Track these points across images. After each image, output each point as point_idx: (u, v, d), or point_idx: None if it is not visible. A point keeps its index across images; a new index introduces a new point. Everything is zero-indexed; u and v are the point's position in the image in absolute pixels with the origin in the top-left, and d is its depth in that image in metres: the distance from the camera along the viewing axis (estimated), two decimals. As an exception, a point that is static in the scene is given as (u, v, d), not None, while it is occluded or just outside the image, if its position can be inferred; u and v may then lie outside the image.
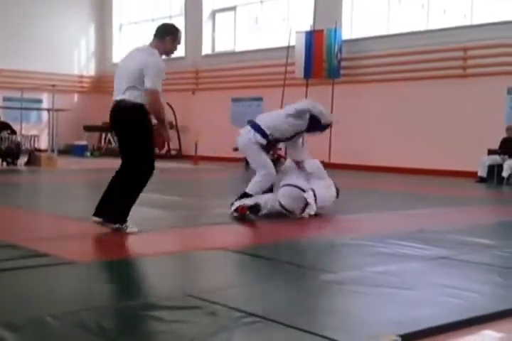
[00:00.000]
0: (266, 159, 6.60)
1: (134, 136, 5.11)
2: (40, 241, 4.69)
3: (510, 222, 6.77)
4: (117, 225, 5.18)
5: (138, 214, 6.48)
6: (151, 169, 5.18)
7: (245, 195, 6.46)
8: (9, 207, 6.96)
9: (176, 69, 19.38)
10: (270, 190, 6.57)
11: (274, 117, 6.74)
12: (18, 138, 13.83)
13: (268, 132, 6.51)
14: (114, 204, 5.17)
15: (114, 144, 20.74)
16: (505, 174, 12.05)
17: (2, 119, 14.28)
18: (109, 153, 20.08)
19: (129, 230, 5.19)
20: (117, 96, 5.16)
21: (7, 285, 3.48)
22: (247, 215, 6.01)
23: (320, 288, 3.50)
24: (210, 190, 10.28)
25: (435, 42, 13.79)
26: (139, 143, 5.11)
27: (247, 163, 15.83)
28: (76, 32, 22.00)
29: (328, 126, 6.91)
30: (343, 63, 15.44)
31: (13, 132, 13.98)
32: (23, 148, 13.75)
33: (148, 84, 4.98)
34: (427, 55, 13.97)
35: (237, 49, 18.55)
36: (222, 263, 4.27)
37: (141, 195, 8.34)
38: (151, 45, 5.26)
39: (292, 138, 6.72)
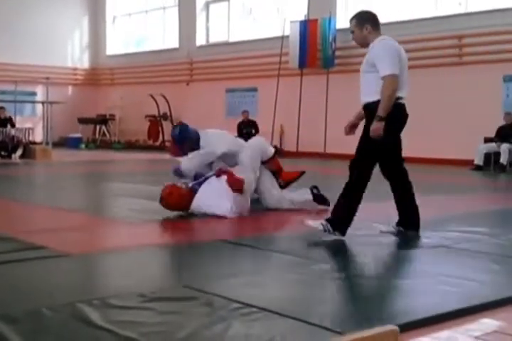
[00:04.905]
0: None
1: None
2: (36, 234, 4.69)
3: (508, 210, 6.76)
4: None
5: (132, 205, 6.49)
6: None
7: None
8: (4, 200, 6.94)
9: (170, 60, 19.34)
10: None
11: None
12: (13, 132, 13.79)
13: None
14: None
15: (108, 136, 20.71)
16: (503, 160, 11.78)
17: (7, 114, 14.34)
18: (103, 145, 20.07)
19: None
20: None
21: (3, 277, 3.48)
22: None
23: (316, 278, 3.49)
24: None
25: (430, 31, 13.77)
26: None
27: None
28: (70, 24, 21.91)
29: None
30: (337, 52, 15.41)
31: (12, 125, 14.04)
32: (16, 140, 13.67)
33: None
34: (422, 43, 13.92)
35: (231, 39, 18.49)
36: (218, 254, 4.26)
37: (134, 187, 8.39)
38: None
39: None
